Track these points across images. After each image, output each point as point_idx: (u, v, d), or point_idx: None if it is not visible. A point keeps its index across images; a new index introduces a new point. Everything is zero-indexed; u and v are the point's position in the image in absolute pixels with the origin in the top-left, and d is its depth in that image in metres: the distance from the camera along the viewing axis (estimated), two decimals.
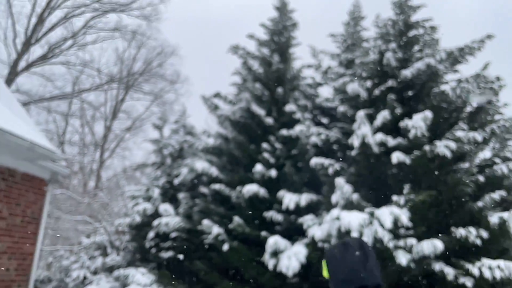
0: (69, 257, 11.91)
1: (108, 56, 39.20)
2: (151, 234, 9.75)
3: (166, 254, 9.52)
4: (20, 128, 5.76)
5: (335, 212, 6.81)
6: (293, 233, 7.85)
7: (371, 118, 8.33)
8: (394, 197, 7.23)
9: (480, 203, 7.16)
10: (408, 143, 7.81)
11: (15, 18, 19.36)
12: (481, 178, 7.45)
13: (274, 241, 7.05)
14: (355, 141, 7.87)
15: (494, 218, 6.73)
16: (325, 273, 1.51)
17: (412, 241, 6.51)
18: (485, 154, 7.72)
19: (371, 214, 6.68)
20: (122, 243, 11.35)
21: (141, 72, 24.97)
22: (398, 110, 8.38)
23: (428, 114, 7.57)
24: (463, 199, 7.26)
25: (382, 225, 6.48)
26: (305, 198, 7.87)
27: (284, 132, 9.05)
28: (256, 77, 10.02)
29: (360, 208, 7.11)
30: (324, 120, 10.38)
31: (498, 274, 6.24)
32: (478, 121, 8.41)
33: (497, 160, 7.73)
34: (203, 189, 9.68)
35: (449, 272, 6.44)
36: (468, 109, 8.60)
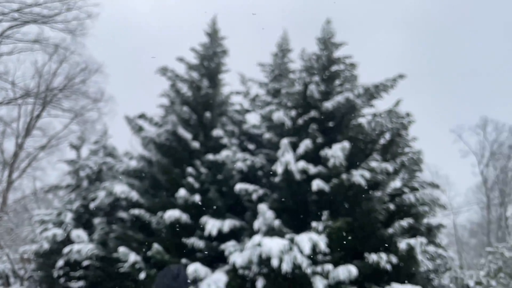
0: None
1: (25, 68, 36.42)
2: (60, 262, 8.97)
3: (77, 284, 8.80)
4: None
5: (256, 238, 6.82)
6: (215, 260, 7.70)
7: (294, 146, 8.61)
8: (314, 224, 7.45)
9: (390, 230, 7.63)
10: (327, 171, 8.16)
11: None
12: (391, 206, 7.98)
13: (194, 268, 6.84)
14: (278, 167, 8.05)
15: (403, 244, 7.20)
16: None
17: (328, 266, 6.71)
18: (396, 183, 8.31)
19: (291, 241, 6.80)
20: (26, 272, 10.27)
21: (61, 88, 23.47)
22: (319, 140, 8.77)
23: (346, 144, 8.01)
24: (375, 226, 7.69)
25: (301, 251, 6.61)
26: (228, 224, 7.80)
27: (210, 156, 8.98)
28: (184, 100, 9.92)
29: (281, 235, 7.20)
30: (251, 146, 10.51)
31: None
32: (390, 152, 9.06)
33: (406, 189, 8.35)
34: (122, 214, 9.17)
35: None
36: (382, 141, 9.24)
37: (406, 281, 7.08)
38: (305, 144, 8.45)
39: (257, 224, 7.34)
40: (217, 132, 9.32)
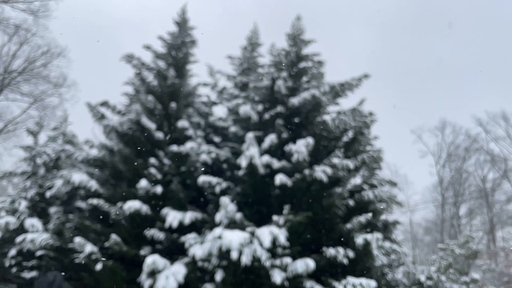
0: None
1: None
2: (12, 252, 8.60)
3: (29, 274, 8.48)
4: None
5: (217, 231, 6.82)
6: (175, 252, 7.63)
7: (259, 140, 8.65)
8: (275, 217, 7.53)
9: (349, 225, 7.84)
10: (291, 166, 8.26)
11: None
12: (351, 202, 8.20)
13: (152, 260, 6.75)
14: (243, 161, 8.06)
15: (359, 239, 7.42)
16: None
17: (287, 260, 6.81)
18: (356, 180, 8.52)
19: (252, 234, 6.84)
20: None
21: (20, 71, 22.41)
22: (285, 135, 8.86)
23: (310, 140, 8.14)
24: (335, 221, 7.87)
25: (261, 244, 6.66)
26: (189, 217, 7.74)
27: (174, 148, 8.86)
28: (149, 89, 9.71)
29: (243, 228, 7.23)
30: (216, 139, 10.45)
31: None
32: (352, 150, 9.29)
33: (365, 186, 8.59)
34: (80, 204, 8.90)
35: None
36: (345, 139, 9.45)
37: (361, 275, 7.29)
38: (270, 139, 8.50)
39: (218, 217, 7.32)
40: (182, 123, 9.20)
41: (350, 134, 9.46)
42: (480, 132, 40.90)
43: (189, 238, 7.35)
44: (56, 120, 16.20)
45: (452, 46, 58.66)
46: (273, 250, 6.98)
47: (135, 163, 8.55)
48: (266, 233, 6.79)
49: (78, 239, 7.16)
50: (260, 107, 9.59)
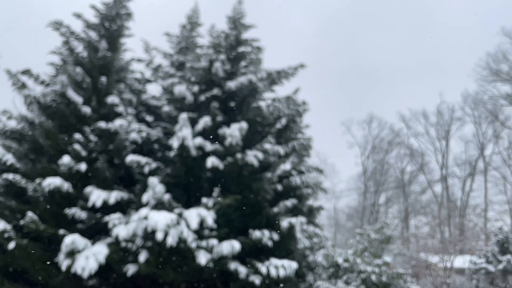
0: None
1: None
2: None
3: None
4: None
5: (143, 211, 6.70)
6: (97, 232, 7.36)
7: (193, 122, 8.55)
8: (204, 199, 7.55)
9: (276, 209, 8.10)
10: (223, 149, 8.29)
11: None
12: (279, 187, 8.45)
13: (71, 240, 6.46)
14: (175, 142, 7.94)
15: (284, 223, 7.70)
16: None
17: (213, 241, 6.90)
18: (286, 166, 8.78)
19: (180, 215, 6.81)
20: None
21: None
22: (219, 118, 8.85)
23: (244, 125, 8.21)
24: (263, 205, 8.08)
25: (188, 226, 6.67)
26: (115, 196, 7.48)
27: (102, 124, 8.44)
28: (78, 60, 9.11)
29: (170, 209, 7.17)
30: (148, 118, 10.14)
31: (282, 272, 7.13)
32: (284, 137, 9.55)
33: (293, 172, 8.90)
34: None
35: (242, 270, 7.05)
36: (278, 125, 9.67)
37: (284, 257, 7.60)
38: (205, 121, 8.44)
39: (146, 197, 7.17)
40: (112, 99, 8.79)
41: (283, 121, 9.70)
42: (403, 127, 44.14)
43: (113, 218, 7.12)
44: None
45: (388, 43, 62.00)
46: (200, 232, 7.02)
47: (58, 138, 8.04)
48: (194, 215, 6.80)
49: None
50: (195, 88, 9.45)
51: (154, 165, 8.17)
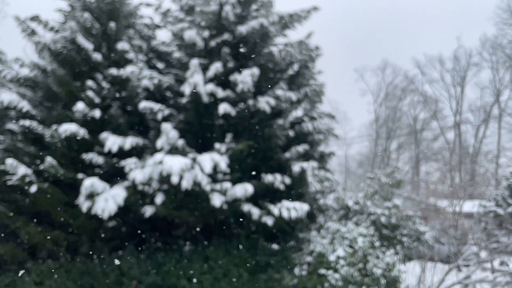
0: None
1: None
2: None
3: None
4: None
5: (158, 156, 6.85)
6: (114, 176, 7.61)
7: (204, 68, 8.48)
8: (217, 145, 7.67)
9: (287, 154, 8.20)
10: (235, 96, 8.27)
11: None
12: (291, 133, 8.50)
13: (90, 183, 6.71)
14: (186, 88, 7.93)
15: (296, 167, 7.83)
16: None
17: (227, 185, 7.09)
18: (298, 112, 8.76)
19: (193, 160, 6.96)
20: None
21: None
22: (230, 64, 8.73)
23: (256, 71, 8.10)
24: (274, 150, 8.19)
25: (202, 170, 6.83)
26: (130, 142, 7.63)
27: (113, 71, 8.43)
28: (86, 6, 8.93)
29: (184, 154, 7.31)
30: (159, 65, 10.07)
31: (293, 214, 7.37)
32: (296, 83, 9.44)
33: (306, 118, 8.90)
34: (11, 126, 8.40)
35: (255, 212, 7.30)
36: (290, 71, 9.53)
37: (295, 200, 7.82)
38: (216, 67, 8.35)
39: (160, 143, 7.30)
40: (122, 45, 8.71)
41: (296, 67, 9.54)
42: (417, 74, 43.07)
43: (129, 163, 7.32)
44: None
45: None
46: (214, 176, 7.21)
47: (71, 85, 8.09)
48: (207, 160, 6.94)
49: (9, 161, 6.87)
50: (206, 34, 9.26)
51: (167, 111, 8.23)
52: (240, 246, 7.82)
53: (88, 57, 8.41)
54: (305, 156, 8.63)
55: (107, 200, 6.61)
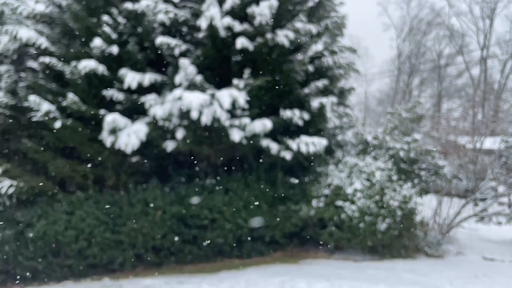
0: None
1: None
2: None
3: None
4: None
5: (177, 92, 6.88)
6: (134, 112, 7.72)
7: (220, 0, 8.17)
8: (235, 81, 7.61)
9: (306, 90, 8.10)
10: (253, 30, 8.03)
11: None
12: (310, 68, 8.32)
13: (112, 118, 6.85)
14: (203, 22, 7.73)
15: (315, 103, 7.77)
16: None
17: (246, 120, 7.13)
18: (318, 46, 8.51)
19: (212, 95, 6.97)
20: None
21: None
22: None
23: (274, 2, 7.77)
24: (293, 86, 8.08)
25: (221, 106, 6.86)
26: (148, 78, 7.65)
27: (128, 5, 8.22)
28: None
29: (203, 90, 7.32)
30: None
31: (312, 149, 7.45)
32: (316, 15, 9.06)
33: (326, 52, 8.65)
34: (31, 64, 8.47)
35: (274, 147, 7.39)
36: (310, 3, 9.11)
37: (314, 135, 7.85)
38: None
39: (178, 79, 7.30)
40: None
41: None
42: (444, 6, 40.54)
43: (149, 99, 7.39)
44: None
45: None
46: (233, 112, 7.24)
47: (87, 21, 7.97)
48: (226, 95, 6.94)
49: (32, 97, 7.02)
50: None
51: (184, 47, 8.11)
52: (260, 180, 8.05)
53: None
54: (325, 92, 8.51)
55: (129, 135, 6.77)
